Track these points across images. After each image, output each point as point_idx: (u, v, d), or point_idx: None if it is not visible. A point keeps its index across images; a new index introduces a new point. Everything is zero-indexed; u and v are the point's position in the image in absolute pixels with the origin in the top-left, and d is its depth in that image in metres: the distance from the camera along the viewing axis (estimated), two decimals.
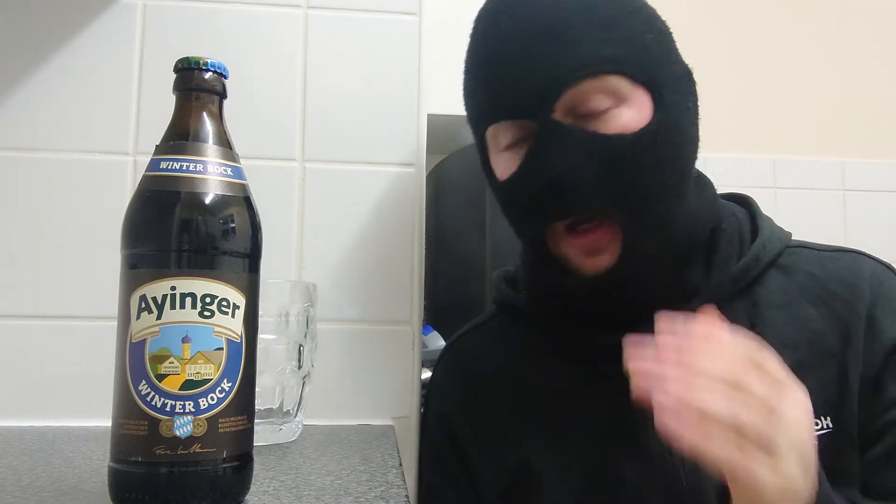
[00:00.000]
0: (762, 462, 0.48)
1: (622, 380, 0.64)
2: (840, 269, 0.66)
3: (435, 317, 1.22)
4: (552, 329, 0.71)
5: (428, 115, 0.90)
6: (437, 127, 1.20)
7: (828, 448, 0.59)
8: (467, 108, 0.69)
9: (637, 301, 0.64)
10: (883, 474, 0.59)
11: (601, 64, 0.59)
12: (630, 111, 0.60)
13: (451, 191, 1.28)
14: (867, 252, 0.69)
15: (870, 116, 1.87)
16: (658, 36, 0.63)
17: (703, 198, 0.67)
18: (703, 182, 0.69)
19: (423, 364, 0.90)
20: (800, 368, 0.60)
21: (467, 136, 1.51)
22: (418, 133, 0.88)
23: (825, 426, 0.61)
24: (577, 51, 0.59)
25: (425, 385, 0.91)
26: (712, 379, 0.50)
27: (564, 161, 0.58)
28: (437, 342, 1.15)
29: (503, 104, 0.62)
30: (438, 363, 0.81)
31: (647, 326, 0.61)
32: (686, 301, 0.64)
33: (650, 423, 0.62)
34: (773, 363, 0.52)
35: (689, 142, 0.64)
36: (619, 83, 0.60)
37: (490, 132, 0.66)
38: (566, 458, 0.66)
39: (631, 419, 0.64)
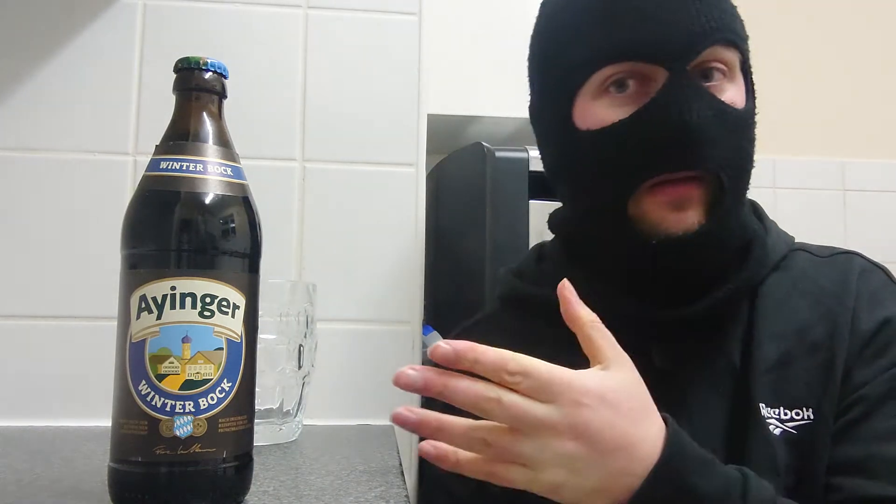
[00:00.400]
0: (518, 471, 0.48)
1: (636, 367, 0.63)
2: (832, 267, 0.68)
3: (435, 317, 1.22)
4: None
5: (428, 115, 0.90)
6: (437, 127, 1.20)
7: (808, 439, 0.60)
8: (563, 51, 0.65)
9: (699, 277, 0.64)
10: (838, 447, 0.60)
11: (735, 35, 0.62)
12: (735, 89, 0.62)
13: (451, 191, 1.28)
14: (861, 253, 0.70)
15: (870, 116, 1.86)
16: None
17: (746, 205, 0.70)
18: None
19: (423, 364, 0.90)
20: (786, 358, 0.62)
21: (467, 136, 1.51)
22: (418, 133, 0.88)
23: (806, 417, 0.61)
24: (723, 14, 0.61)
25: None
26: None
27: (701, 111, 0.58)
28: (437, 342, 1.15)
29: (639, 45, 0.60)
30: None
31: (692, 304, 0.64)
32: (719, 289, 0.64)
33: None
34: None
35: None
36: (736, 60, 0.62)
37: (598, 76, 0.62)
38: None
39: None
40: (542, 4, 0.70)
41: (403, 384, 0.47)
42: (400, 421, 0.48)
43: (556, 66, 0.67)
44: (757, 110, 0.66)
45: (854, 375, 0.61)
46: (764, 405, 0.61)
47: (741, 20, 0.64)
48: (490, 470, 0.49)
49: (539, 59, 0.69)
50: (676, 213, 0.61)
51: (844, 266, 0.68)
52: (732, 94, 0.61)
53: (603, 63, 0.61)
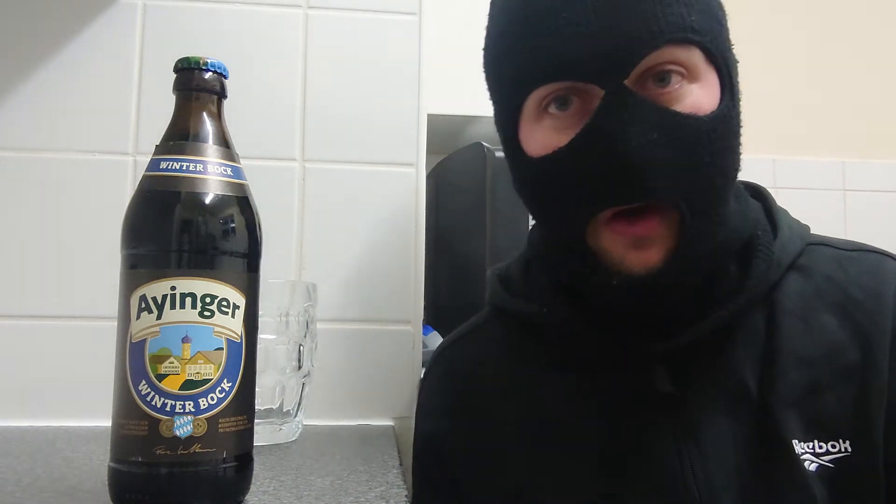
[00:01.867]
0: None
1: (635, 391, 0.59)
2: (862, 273, 0.60)
3: (435, 317, 1.22)
4: (558, 334, 0.63)
5: (428, 115, 0.90)
6: (437, 127, 1.20)
7: (845, 472, 0.55)
8: (500, 71, 0.59)
9: (673, 306, 0.58)
10: None
11: (688, 31, 0.52)
12: (700, 91, 0.53)
13: (451, 191, 1.28)
14: (892, 253, 0.63)
15: (870, 116, 1.86)
16: (724, 14, 0.57)
17: (739, 198, 0.62)
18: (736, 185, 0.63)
19: (423, 364, 0.90)
20: (817, 387, 0.57)
21: (467, 136, 1.51)
22: (418, 133, 0.88)
23: (843, 449, 0.55)
24: (668, 11, 0.51)
25: None
26: None
27: (641, 135, 0.50)
28: (437, 342, 1.15)
29: (564, 63, 0.52)
30: (429, 373, 0.72)
31: (668, 336, 0.58)
32: (721, 304, 0.58)
33: (664, 439, 0.58)
34: None
35: (741, 134, 0.58)
36: (697, 57, 0.53)
37: (535, 96, 0.55)
38: (567, 479, 0.60)
39: (643, 435, 0.59)
40: (490, 4, 0.62)
41: None
42: None
43: (495, 83, 0.61)
44: (740, 105, 0.57)
45: None
46: (796, 441, 0.55)
47: (704, 6, 0.54)
48: None
49: (487, 72, 0.62)
50: (637, 251, 0.54)
51: (877, 272, 0.60)
52: (696, 97, 0.53)
53: (534, 85, 0.54)
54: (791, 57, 1.86)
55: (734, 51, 0.59)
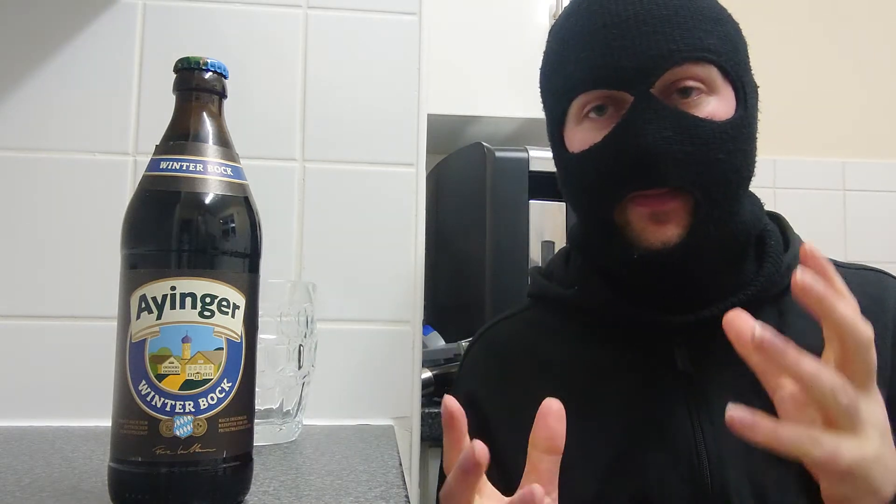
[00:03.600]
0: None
1: (657, 368, 0.67)
2: (865, 284, 0.68)
3: (435, 317, 1.22)
4: (591, 312, 0.72)
5: (428, 115, 0.90)
6: (437, 127, 1.20)
7: None
8: (550, 80, 0.71)
9: (691, 286, 0.66)
10: None
11: (705, 52, 0.63)
12: (718, 102, 0.64)
13: (451, 191, 1.28)
14: (890, 273, 0.72)
15: (870, 116, 1.87)
16: (743, 44, 0.69)
17: (754, 201, 0.71)
18: (750, 192, 0.73)
19: (423, 364, 0.90)
20: None
21: (467, 136, 1.51)
22: (418, 133, 0.88)
23: None
24: (686, 35, 0.63)
25: (425, 385, 0.91)
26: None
27: (657, 132, 0.61)
28: (437, 342, 1.15)
29: (603, 73, 0.64)
30: (470, 348, 0.82)
31: (695, 312, 0.66)
32: (737, 292, 0.66)
33: (679, 413, 0.66)
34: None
35: (755, 145, 0.68)
36: (714, 74, 0.64)
37: (578, 101, 0.67)
38: (591, 443, 0.67)
39: (661, 408, 0.67)
40: (549, 32, 0.74)
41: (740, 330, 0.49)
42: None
43: (547, 92, 0.72)
44: (757, 117, 0.68)
45: None
46: None
47: (722, 33, 0.65)
48: (814, 435, 0.48)
49: (540, 89, 0.74)
50: (656, 225, 0.64)
51: (879, 284, 0.70)
52: (713, 107, 0.63)
53: (578, 91, 0.66)
54: (792, 57, 1.86)
55: (753, 77, 0.70)
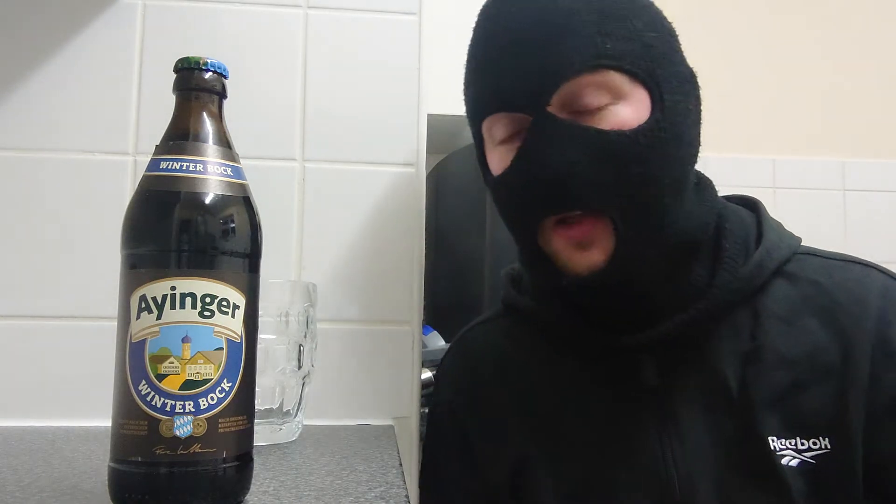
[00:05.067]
0: None
1: (624, 383, 0.65)
2: (848, 280, 0.64)
3: (435, 317, 1.22)
4: (556, 329, 0.70)
5: (428, 115, 0.90)
6: (437, 127, 1.20)
7: (826, 470, 0.57)
8: (466, 103, 0.69)
9: (636, 302, 0.63)
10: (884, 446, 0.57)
11: (601, 59, 0.58)
12: (628, 109, 0.59)
13: (451, 191, 1.28)
14: (878, 265, 0.66)
15: (870, 116, 1.87)
16: (661, 35, 0.62)
17: (704, 199, 0.65)
18: (704, 184, 0.67)
19: (423, 364, 0.90)
20: (798, 386, 0.60)
21: (467, 136, 1.51)
22: (418, 133, 0.88)
23: (823, 446, 0.58)
24: (577, 44, 0.58)
25: (425, 385, 0.91)
26: None
27: (558, 154, 0.57)
28: (437, 342, 1.15)
29: (499, 96, 0.61)
30: (447, 354, 0.82)
31: (651, 329, 0.62)
32: (692, 302, 0.62)
33: (648, 430, 0.63)
34: None
35: (688, 143, 0.62)
36: (619, 80, 0.59)
37: (486, 125, 0.65)
38: (561, 458, 0.66)
39: (629, 425, 0.64)
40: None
41: None
42: None
43: (466, 111, 0.70)
44: (692, 107, 0.63)
45: (885, 379, 0.58)
46: (775, 437, 0.59)
47: (627, 33, 0.59)
48: None
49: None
50: (580, 252, 0.61)
51: (862, 280, 0.64)
52: (622, 116, 0.58)
53: (482, 115, 0.64)
54: (791, 57, 1.86)
55: (686, 63, 0.65)
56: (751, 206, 0.71)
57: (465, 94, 0.68)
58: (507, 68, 0.60)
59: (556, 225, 0.61)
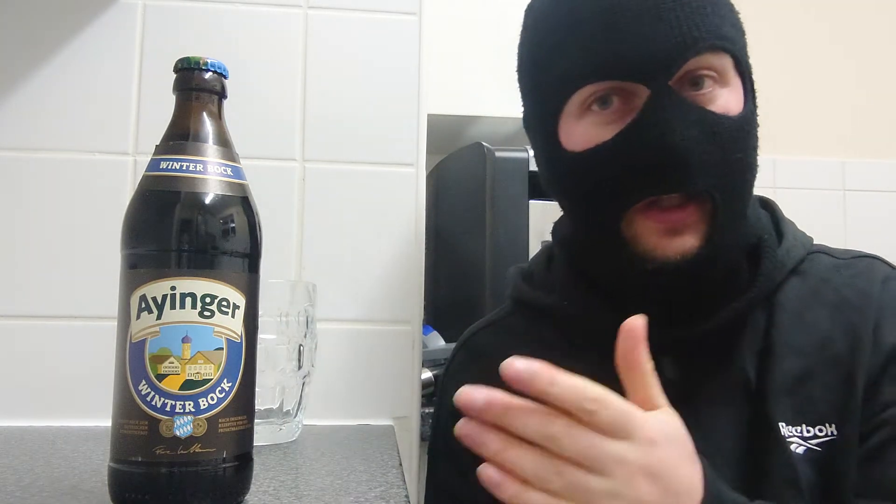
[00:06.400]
0: None
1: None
2: (855, 276, 0.65)
3: (435, 317, 1.22)
4: (578, 323, 0.67)
5: (428, 115, 0.90)
6: (437, 127, 1.20)
7: (832, 456, 0.58)
8: (543, 69, 0.63)
9: (698, 297, 0.62)
10: (866, 469, 0.58)
11: (724, 40, 0.58)
12: (729, 94, 0.59)
13: (451, 191, 1.28)
14: (882, 258, 0.68)
15: (870, 116, 1.86)
16: (742, 31, 0.63)
17: (753, 201, 0.67)
18: None
19: (424, 364, 0.90)
20: (807, 373, 0.60)
21: (467, 136, 1.51)
22: (418, 133, 0.88)
23: (829, 433, 0.59)
24: (706, 21, 0.57)
25: (425, 385, 0.91)
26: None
27: (683, 130, 0.55)
28: (437, 342, 1.15)
29: (616, 63, 0.57)
30: (453, 358, 0.79)
31: (698, 325, 0.62)
32: (737, 294, 0.63)
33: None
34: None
35: (758, 138, 0.63)
36: (728, 64, 0.59)
37: (579, 95, 0.60)
38: None
39: None
40: (527, 10, 0.67)
41: (463, 401, 0.46)
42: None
43: (539, 81, 0.65)
44: (758, 111, 0.63)
45: (881, 392, 0.59)
46: (784, 424, 0.59)
47: (733, 20, 0.60)
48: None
49: (525, 72, 0.67)
50: (671, 238, 0.58)
51: (867, 273, 0.65)
52: (726, 100, 0.58)
53: (583, 82, 0.59)
54: (792, 56, 1.86)
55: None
56: (766, 206, 0.72)
57: (548, 58, 0.62)
58: (627, 34, 0.56)
59: (649, 208, 0.58)
